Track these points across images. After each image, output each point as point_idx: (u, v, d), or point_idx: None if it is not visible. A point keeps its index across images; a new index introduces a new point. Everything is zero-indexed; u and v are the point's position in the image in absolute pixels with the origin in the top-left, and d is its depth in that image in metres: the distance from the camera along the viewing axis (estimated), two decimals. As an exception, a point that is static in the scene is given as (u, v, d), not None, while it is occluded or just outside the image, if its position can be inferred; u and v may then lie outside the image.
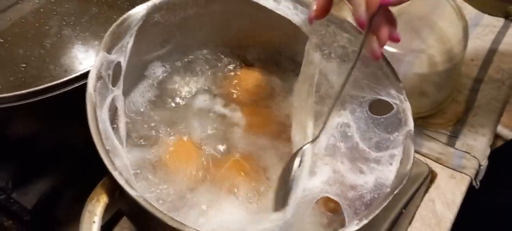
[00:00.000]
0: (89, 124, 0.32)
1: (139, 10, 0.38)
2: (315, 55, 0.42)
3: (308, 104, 0.41)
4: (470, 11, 0.73)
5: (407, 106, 0.37)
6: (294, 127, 0.43)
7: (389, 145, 0.36)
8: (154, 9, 0.40)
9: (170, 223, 0.28)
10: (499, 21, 0.72)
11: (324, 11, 0.38)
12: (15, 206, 0.45)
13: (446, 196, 0.53)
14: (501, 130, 1.29)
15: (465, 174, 0.55)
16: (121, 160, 0.32)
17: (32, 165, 0.47)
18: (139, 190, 0.30)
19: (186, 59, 0.46)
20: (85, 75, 0.38)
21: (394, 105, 0.37)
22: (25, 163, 0.47)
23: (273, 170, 0.40)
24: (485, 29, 0.72)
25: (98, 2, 0.42)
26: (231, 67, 0.47)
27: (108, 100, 0.34)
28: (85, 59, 0.39)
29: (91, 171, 0.45)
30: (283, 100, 0.46)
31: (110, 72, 0.35)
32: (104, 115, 0.33)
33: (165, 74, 0.45)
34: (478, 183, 0.56)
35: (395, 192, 0.32)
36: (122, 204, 0.33)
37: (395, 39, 0.36)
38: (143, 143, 0.41)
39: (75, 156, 0.47)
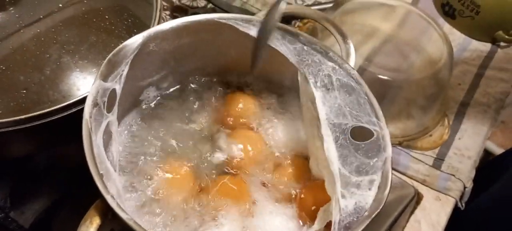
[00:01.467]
0: (84, 149, 0.34)
1: (135, 40, 0.40)
2: (307, 85, 0.44)
3: (315, 133, 0.42)
4: (458, 37, 0.75)
5: (386, 133, 0.39)
6: (310, 157, 0.44)
7: (369, 170, 0.37)
8: (150, 39, 0.42)
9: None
10: (486, 46, 0.75)
11: None
12: (13, 225, 0.46)
13: (432, 217, 0.55)
14: (495, 148, 1.30)
15: (450, 196, 0.57)
16: (113, 183, 0.34)
17: (29, 185, 0.49)
18: (130, 213, 0.32)
19: (179, 85, 0.48)
20: (82, 100, 0.40)
21: (374, 132, 0.39)
22: (22, 182, 0.49)
23: (259, 193, 0.42)
24: (473, 54, 0.74)
25: (96, 31, 0.44)
26: (223, 93, 0.49)
27: (103, 126, 0.36)
28: (83, 85, 0.41)
29: (86, 190, 0.46)
30: (272, 124, 0.48)
31: (105, 99, 0.37)
32: (98, 140, 0.35)
33: (159, 100, 0.47)
34: (463, 204, 0.58)
35: (372, 216, 0.34)
36: (114, 225, 0.35)
37: None
38: (135, 166, 0.43)
39: (71, 176, 0.49)
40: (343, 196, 0.36)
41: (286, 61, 0.45)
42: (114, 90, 0.38)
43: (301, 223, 0.41)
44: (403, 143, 0.60)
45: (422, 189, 0.57)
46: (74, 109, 0.40)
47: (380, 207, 0.34)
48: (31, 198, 0.48)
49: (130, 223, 0.31)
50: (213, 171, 0.44)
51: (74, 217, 0.46)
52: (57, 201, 0.48)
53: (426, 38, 0.65)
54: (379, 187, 0.36)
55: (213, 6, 0.71)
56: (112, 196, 0.32)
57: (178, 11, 0.70)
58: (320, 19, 0.49)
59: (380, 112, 0.40)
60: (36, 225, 0.46)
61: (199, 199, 0.41)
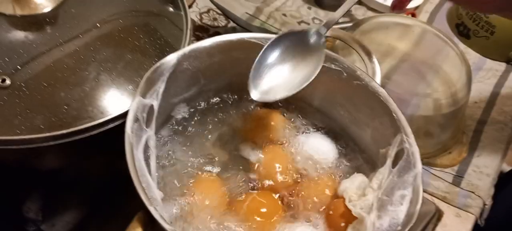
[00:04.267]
0: (127, 162, 0.35)
1: (171, 58, 0.42)
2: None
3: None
4: (473, 56, 0.77)
5: (416, 149, 0.40)
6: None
7: (400, 186, 0.38)
8: (184, 57, 0.43)
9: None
10: (501, 66, 0.76)
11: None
12: (45, 238, 0.48)
13: (453, 234, 0.55)
14: (505, 168, 1.30)
15: (470, 213, 0.57)
16: (154, 195, 0.35)
17: (60, 198, 0.50)
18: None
19: (208, 102, 0.50)
20: (119, 117, 0.41)
21: (404, 149, 0.40)
22: (54, 195, 0.50)
23: (287, 208, 0.44)
24: (488, 73, 0.75)
25: (132, 50, 0.46)
26: (251, 110, 0.50)
27: (143, 140, 0.38)
28: (119, 102, 0.42)
29: (116, 204, 0.48)
30: (300, 141, 0.49)
31: (145, 114, 0.39)
32: (139, 154, 0.36)
33: (189, 115, 0.49)
34: (483, 221, 0.58)
35: (406, 230, 0.34)
36: (153, 236, 0.36)
37: None
38: (167, 180, 0.44)
39: (101, 190, 0.50)
40: (379, 218, 0.37)
41: (315, 82, 0.46)
42: (152, 106, 0.40)
43: (330, 239, 0.42)
44: (423, 160, 0.61)
45: (442, 206, 0.58)
46: (111, 125, 0.41)
47: (413, 221, 0.35)
48: (62, 211, 0.49)
49: (174, 234, 0.32)
50: (242, 186, 0.45)
51: (105, 230, 0.48)
52: (89, 214, 0.49)
53: (442, 57, 0.66)
54: (410, 202, 0.37)
55: (233, 25, 0.73)
56: (155, 208, 0.33)
57: (200, 30, 0.72)
58: (345, 38, 0.50)
59: (408, 129, 0.41)
60: (68, 238, 0.47)
61: (229, 213, 0.42)
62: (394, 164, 0.41)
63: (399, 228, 0.35)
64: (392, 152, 0.42)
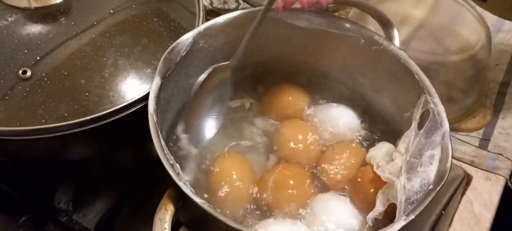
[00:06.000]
0: (153, 141, 0.35)
1: (187, 37, 0.42)
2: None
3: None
4: (491, 19, 0.74)
5: (441, 109, 0.39)
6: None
7: (428, 147, 0.38)
8: (200, 36, 0.43)
9: (232, 224, 0.31)
10: (521, 26, 0.74)
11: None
12: (77, 227, 0.48)
13: (483, 197, 0.54)
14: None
15: (499, 175, 0.56)
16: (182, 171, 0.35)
17: (89, 187, 0.51)
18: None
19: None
20: (141, 99, 0.41)
21: (430, 110, 0.39)
22: (83, 185, 0.51)
23: (313, 180, 0.43)
24: (507, 34, 0.74)
25: (147, 33, 0.46)
26: (270, 85, 0.50)
27: (166, 119, 0.38)
28: (139, 85, 0.42)
29: (144, 189, 0.48)
30: (320, 113, 0.48)
31: (165, 94, 0.39)
32: (164, 133, 0.36)
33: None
34: (514, 183, 0.57)
35: (438, 188, 0.34)
36: (183, 214, 0.36)
37: None
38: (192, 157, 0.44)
39: (126, 177, 0.51)
40: (409, 180, 0.36)
41: (333, 53, 0.46)
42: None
43: (359, 206, 0.42)
44: (447, 125, 0.60)
45: (470, 170, 0.57)
46: (134, 109, 0.41)
47: (445, 179, 0.34)
48: (92, 201, 0.49)
49: (204, 206, 0.32)
50: (266, 161, 0.45)
51: (135, 216, 0.48)
52: (118, 201, 0.49)
53: (460, 21, 0.65)
54: (440, 161, 0.36)
55: (244, 6, 0.72)
56: (185, 183, 0.33)
57: (210, 14, 0.72)
58: (361, 5, 0.49)
59: (432, 89, 0.41)
60: (99, 226, 0.47)
61: (256, 187, 0.42)
62: (420, 126, 0.40)
63: (431, 186, 0.34)
64: (417, 114, 0.41)
